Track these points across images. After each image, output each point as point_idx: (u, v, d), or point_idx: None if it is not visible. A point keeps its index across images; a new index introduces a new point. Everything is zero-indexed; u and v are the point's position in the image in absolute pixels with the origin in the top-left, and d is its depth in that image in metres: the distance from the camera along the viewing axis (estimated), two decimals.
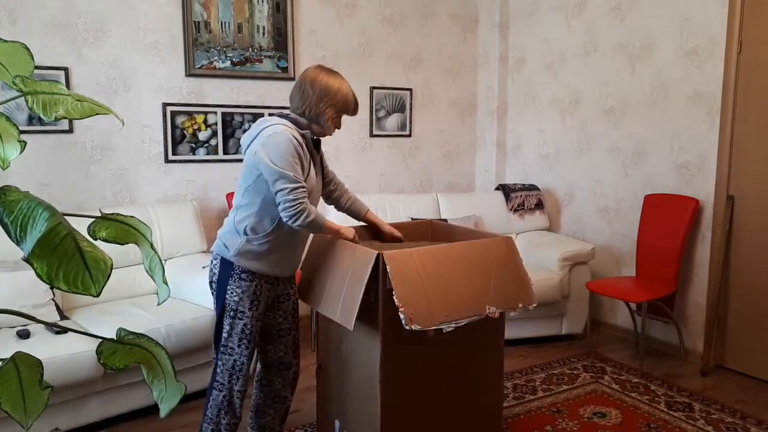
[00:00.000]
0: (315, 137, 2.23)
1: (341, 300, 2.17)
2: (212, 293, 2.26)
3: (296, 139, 2.09)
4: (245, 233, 2.15)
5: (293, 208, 2.02)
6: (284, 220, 2.06)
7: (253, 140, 2.13)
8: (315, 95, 2.15)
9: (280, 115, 2.19)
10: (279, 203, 2.04)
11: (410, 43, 4.67)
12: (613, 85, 4.10)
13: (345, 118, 2.27)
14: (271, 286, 2.25)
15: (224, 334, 2.20)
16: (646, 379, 3.38)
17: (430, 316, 2.03)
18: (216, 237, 2.27)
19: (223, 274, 2.18)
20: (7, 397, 1.33)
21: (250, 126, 3.94)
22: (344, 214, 2.55)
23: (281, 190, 2.02)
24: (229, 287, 2.17)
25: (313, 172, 2.20)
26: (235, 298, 2.17)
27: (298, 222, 2.04)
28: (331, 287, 2.25)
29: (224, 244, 2.19)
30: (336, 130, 2.27)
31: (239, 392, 2.24)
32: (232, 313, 2.18)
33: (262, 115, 4.05)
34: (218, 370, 2.24)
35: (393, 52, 4.61)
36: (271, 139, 2.06)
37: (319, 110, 2.17)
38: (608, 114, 4.15)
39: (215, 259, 2.23)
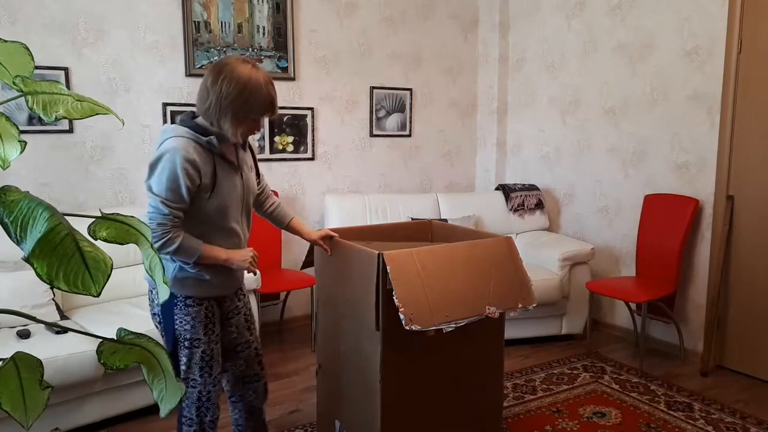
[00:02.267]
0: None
1: (358, 302, 2.18)
2: (157, 326, 2.06)
3: (188, 158, 1.82)
4: (173, 260, 1.93)
5: (153, 234, 1.81)
6: None
7: None
8: (213, 97, 1.85)
9: (182, 122, 1.93)
10: None
11: (410, 43, 4.67)
12: (613, 85, 4.10)
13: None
14: (219, 304, 2.11)
15: (182, 367, 2.01)
16: (646, 379, 3.38)
17: (430, 316, 2.03)
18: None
19: (166, 305, 1.97)
20: (7, 397, 1.33)
21: None
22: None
23: (148, 212, 1.85)
24: (176, 317, 1.97)
25: (233, 179, 1.97)
26: (187, 326, 1.98)
27: (161, 252, 1.82)
28: (345, 291, 2.27)
29: None
30: (250, 134, 1.99)
31: (212, 421, 2.09)
32: (187, 344, 1.99)
33: None
34: (184, 404, 2.05)
35: (393, 52, 4.61)
36: (158, 160, 1.84)
37: (219, 116, 1.87)
38: (608, 114, 4.15)
39: (153, 290, 2.02)
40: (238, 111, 1.88)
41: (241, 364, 2.25)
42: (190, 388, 2.04)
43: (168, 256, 1.91)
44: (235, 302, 2.19)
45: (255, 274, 2.06)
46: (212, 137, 1.89)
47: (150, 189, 1.85)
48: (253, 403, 2.32)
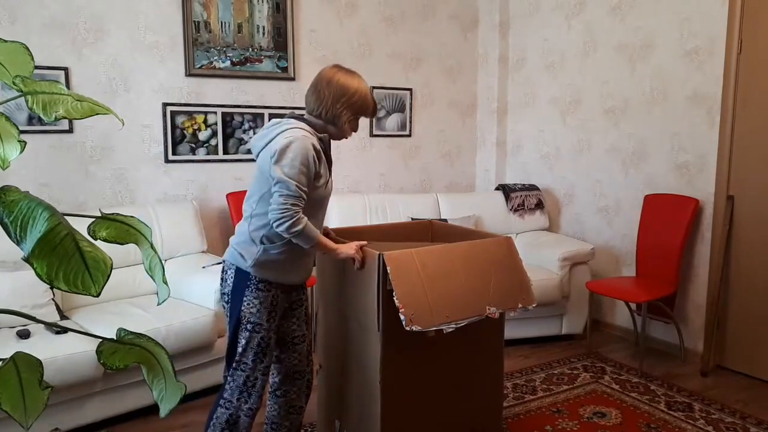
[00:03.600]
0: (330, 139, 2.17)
1: (360, 302, 2.18)
2: (224, 305, 2.15)
3: (315, 146, 2.01)
4: (261, 242, 2.05)
5: (280, 212, 1.94)
6: (270, 221, 1.98)
7: (268, 143, 2.03)
8: (331, 96, 2.07)
9: (296, 117, 2.10)
10: (271, 204, 1.97)
11: (410, 43, 4.67)
12: (613, 85, 4.10)
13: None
14: (286, 295, 2.17)
15: (239, 349, 2.09)
16: (646, 379, 3.38)
17: (430, 316, 2.03)
18: (228, 245, 2.16)
19: (239, 285, 2.08)
20: (7, 397, 1.33)
21: (249, 126, 4.00)
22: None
23: (277, 193, 1.96)
24: (245, 298, 2.07)
25: (330, 177, 2.15)
26: (253, 310, 2.06)
27: (282, 228, 1.95)
28: (347, 289, 2.27)
29: (240, 254, 2.08)
30: (353, 132, 2.19)
31: (250, 410, 2.13)
32: (249, 326, 2.07)
33: (262, 115, 4.06)
34: (227, 386, 2.13)
35: (393, 52, 4.61)
36: (288, 145, 1.97)
37: (336, 112, 2.08)
38: (608, 114, 4.15)
39: (230, 269, 2.11)
40: (354, 109, 2.11)
41: (295, 358, 2.31)
42: (239, 372, 2.10)
43: (257, 239, 2.05)
44: (300, 294, 2.29)
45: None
46: (325, 135, 2.11)
47: (283, 172, 1.96)
48: (295, 402, 2.35)
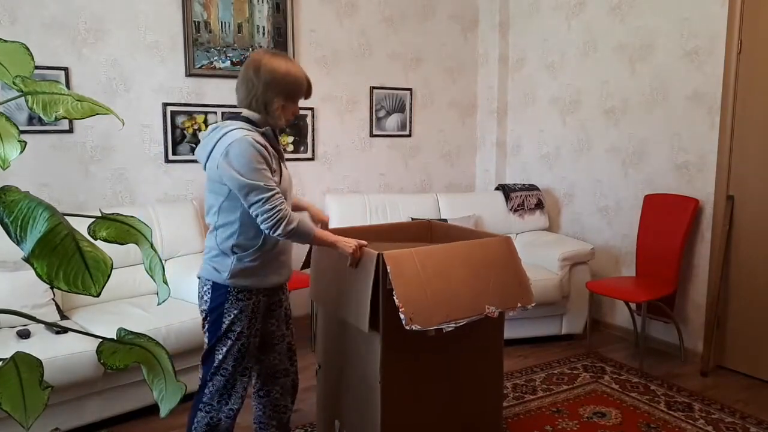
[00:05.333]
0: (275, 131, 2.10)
1: (352, 302, 2.18)
2: (204, 322, 2.09)
3: (258, 142, 1.93)
4: (233, 252, 2.02)
5: (272, 218, 1.91)
6: (265, 231, 1.95)
7: (211, 152, 1.97)
8: (261, 83, 1.98)
9: (233, 117, 2.03)
10: (256, 216, 1.92)
11: (410, 43, 4.67)
12: (613, 85, 4.10)
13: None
14: (267, 299, 2.16)
15: (219, 356, 2.07)
16: (646, 379, 3.38)
17: (430, 316, 2.03)
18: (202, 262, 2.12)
19: (217, 300, 2.04)
20: (7, 397, 1.33)
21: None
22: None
23: (255, 202, 1.90)
24: (225, 311, 2.04)
25: (283, 168, 2.08)
26: (234, 319, 2.05)
27: (279, 231, 1.92)
28: (341, 289, 2.27)
29: (214, 268, 2.04)
30: (291, 118, 2.09)
31: (231, 410, 2.12)
32: (231, 335, 2.06)
33: None
34: (206, 391, 2.10)
35: (393, 52, 4.61)
36: (232, 149, 1.90)
37: (267, 99, 1.99)
38: (608, 114, 4.15)
39: (206, 285, 2.07)
40: (287, 92, 2.01)
41: (275, 358, 2.29)
42: (219, 377, 2.09)
43: (227, 249, 2.02)
44: (279, 295, 2.26)
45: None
46: (268, 128, 2.03)
47: (245, 177, 1.89)
48: (279, 401, 2.34)
